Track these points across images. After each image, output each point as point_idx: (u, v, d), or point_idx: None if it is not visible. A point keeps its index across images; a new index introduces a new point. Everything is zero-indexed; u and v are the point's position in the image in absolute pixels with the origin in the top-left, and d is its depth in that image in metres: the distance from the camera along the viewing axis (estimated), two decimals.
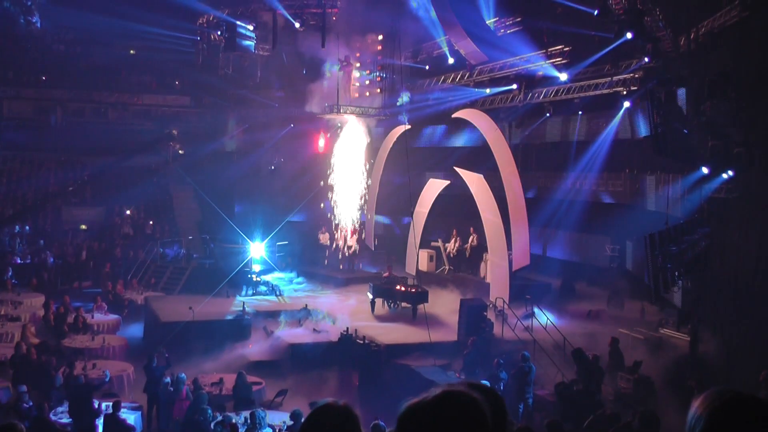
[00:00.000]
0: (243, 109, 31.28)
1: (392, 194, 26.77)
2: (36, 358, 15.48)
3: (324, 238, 26.88)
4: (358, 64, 24.71)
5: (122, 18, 28.07)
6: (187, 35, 27.99)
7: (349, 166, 25.30)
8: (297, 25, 25.58)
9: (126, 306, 22.91)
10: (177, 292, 23.98)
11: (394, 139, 25.59)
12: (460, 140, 27.89)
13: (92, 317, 20.68)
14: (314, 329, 19.87)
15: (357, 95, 25.44)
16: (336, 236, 25.77)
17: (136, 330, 21.24)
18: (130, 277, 25.18)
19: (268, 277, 25.15)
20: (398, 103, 24.62)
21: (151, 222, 30.05)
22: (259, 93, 29.83)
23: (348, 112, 23.41)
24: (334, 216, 25.66)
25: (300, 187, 27.92)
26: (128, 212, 30.41)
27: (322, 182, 25.57)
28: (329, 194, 25.43)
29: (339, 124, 25.29)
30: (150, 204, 30.66)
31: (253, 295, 23.52)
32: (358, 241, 25.91)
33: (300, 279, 26.22)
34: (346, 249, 25.55)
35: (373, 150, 26.28)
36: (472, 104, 24.82)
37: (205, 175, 29.59)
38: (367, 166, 25.68)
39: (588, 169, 23.47)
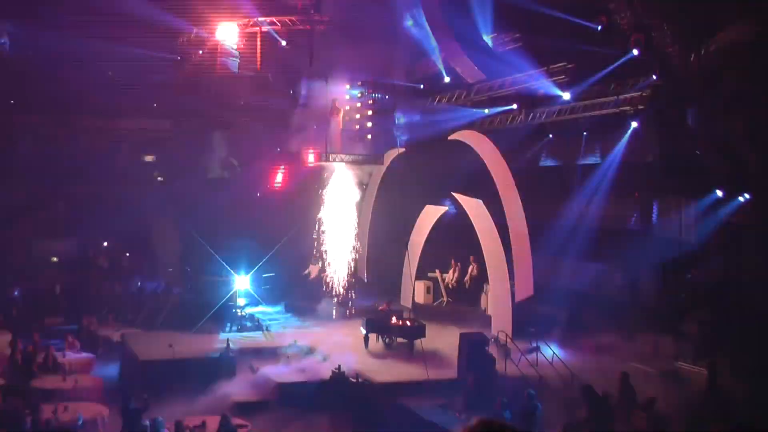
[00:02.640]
0: (227, 133, 31.32)
1: (386, 222, 26.67)
2: (2, 401, 15.20)
3: (314, 269, 26.67)
4: (347, 107, 24.80)
5: (97, 38, 27.96)
6: (168, 54, 27.85)
7: (338, 213, 25.28)
8: (283, 42, 25.58)
9: (101, 344, 22.62)
10: (156, 329, 23.65)
11: (387, 163, 25.59)
12: (458, 164, 27.35)
13: (64, 356, 20.31)
14: (303, 367, 19.64)
15: (347, 140, 25.31)
16: (324, 271, 25.67)
17: (111, 369, 20.94)
18: (106, 313, 24.89)
19: (253, 311, 24.98)
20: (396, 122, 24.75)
21: (128, 254, 29.77)
22: (245, 114, 29.75)
23: (337, 160, 23.47)
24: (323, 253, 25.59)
25: (289, 215, 27.59)
26: (104, 244, 30.11)
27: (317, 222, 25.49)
28: (318, 230, 25.38)
29: (325, 174, 25.33)
30: (127, 235, 29.98)
31: (238, 330, 23.27)
32: (353, 275, 25.80)
33: (288, 313, 26.08)
34: (335, 284, 25.36)
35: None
36: (470, 125, 24.79)
37: (186, 203, 29.40)
38: (359, 210, 25.71)
39: (594, 193, 23.28)
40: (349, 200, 24.87)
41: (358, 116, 24.70)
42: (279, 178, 26.93)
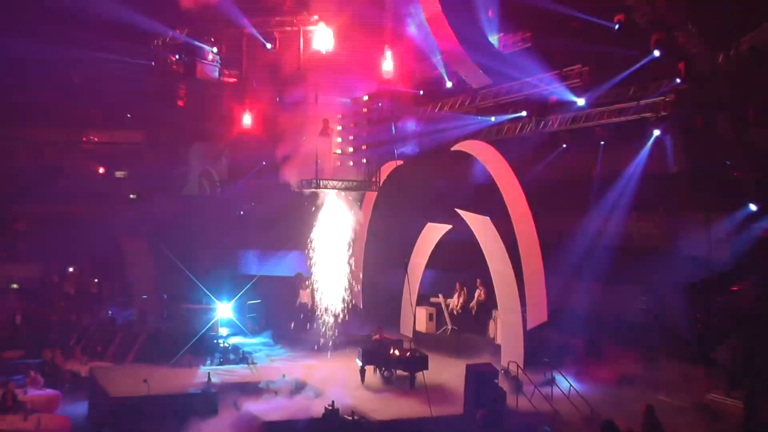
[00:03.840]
0: (206, 146, 31.33)
1: (383, 242, 26.64)
2: None
3: (305, 295, 26.64)
4: (339, 127, 24.78)
5: (62, 42, 27.92)
6: (140, 60, 27.87)
7: (331, 232, 25.04)
8: (269, 45, 25.72)
9: (67, 379, 22.41)
10: (129, 362, 23.58)
11: (384, 178, 25.17)
12: (463, 177, 27.58)
13: (25, 393, 20.06)
14: (293, 404, 19.49)
15: (339, 164, 25.11)
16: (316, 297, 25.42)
17: (79, 408, 20.67)
18: (72, 345, 24.71)
19: (237, 341, 24.92)
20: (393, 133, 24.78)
21: (96, 280, 29.62)
22: (225, 126, 29.74)
23: (329, 187, 23.34)
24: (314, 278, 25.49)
25: (275, 236, 27.77)
26: (71, 269, 30.02)
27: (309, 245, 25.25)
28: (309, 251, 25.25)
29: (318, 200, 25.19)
30: (96, 258, 30.10)
31: (221, 363, 23.12)
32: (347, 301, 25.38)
33: (276, 344, 25.98)
34: (328, 311, 25.08)
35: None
36: (475, 134, 24.71)
37: (162, 223, 29.35)
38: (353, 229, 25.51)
39: (614, 208, 23.30)
40: (343, 218, 24.66)
41: (351, 137, 24.63)
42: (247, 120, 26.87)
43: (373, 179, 22.95)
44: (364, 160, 23.67)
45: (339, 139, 24.33)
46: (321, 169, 22.40)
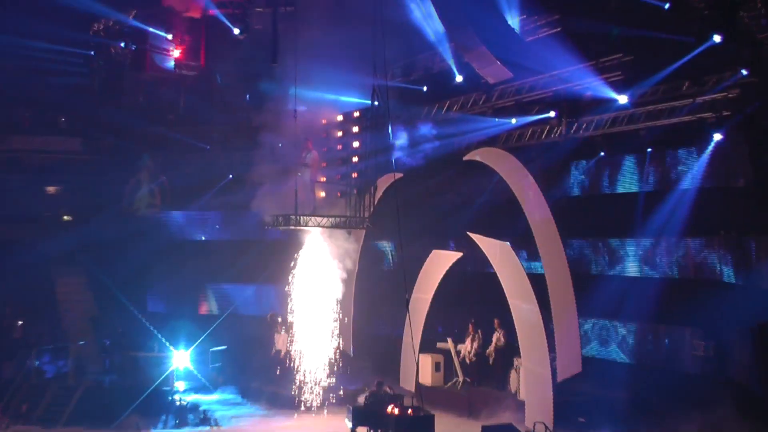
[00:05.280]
0: (160, 155, 31.16)
1: (379, 274, 26.94)
2: None
3: (281, 341, 26.53)
4: (324, 149, 24.95)
5: None
6: (77, 49, 28.08)
7: (315, 263, 25.31)
8: (236, 31, 25.72)
9: None
10: (62, 424, 23.21)
11: (380, 194, 25.13)
12: (476, 193, 27.78)
13: None
14: None
15: (323, 194, 25.47)
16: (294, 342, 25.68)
17: None
18: None
19: (197, 398, 25.03)
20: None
21: (21, 322, 29.06)
22: (183, 130, 29.89)
23: (310, 224, 23.26)
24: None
25: (246, 267, 27.97)
26: None
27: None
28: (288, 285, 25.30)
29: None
30: (21, 294, 29.34)
31: (177, 426, 23.09)
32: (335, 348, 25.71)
33: (245, 400, 25.97)
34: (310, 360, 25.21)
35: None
36: (491, 140, 24.74)
37: (104, 251, 29.27)
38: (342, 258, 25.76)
39: (663, 231, 23.22)
40: (330, 245, 24.82)
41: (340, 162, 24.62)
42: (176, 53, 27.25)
43: (366, 214, 22.89)
44: (355, 191, 23.46)
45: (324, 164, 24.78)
46: (301, 202, 22.42)
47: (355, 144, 24.65)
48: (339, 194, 25.03)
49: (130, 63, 26.83)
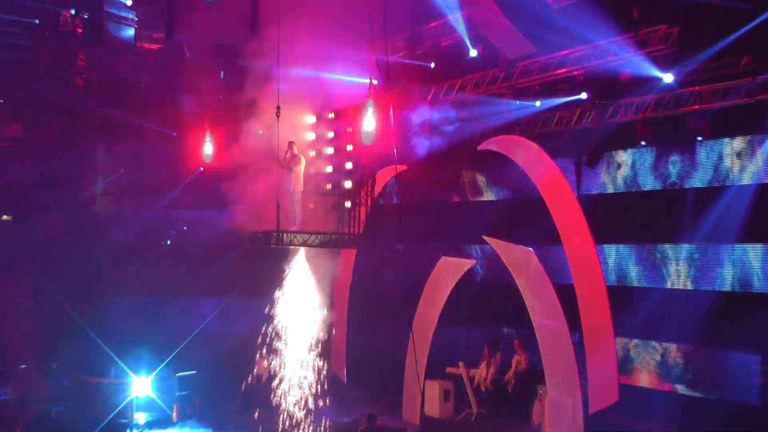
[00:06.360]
0: (118, 142, 30.94)
1: (376, 287, 26.94)
2: None
3: (262, 366, 26.24)
4: (312, 153, 24.70)
5: None
6: (17, 17, 27.52)
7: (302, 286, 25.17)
8: None
9: None
10: None
11: (378, 189, 24.97)
12: (492, 190, 27.81)
13: None
14: None
15: (311, 206, 25.01)
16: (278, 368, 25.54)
17: None
18: None
19: None
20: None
21: None
22: (146, 114, 29.66)
23: (295, 242, 23.15)
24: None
25: (220, 277, 28.22)
26: None
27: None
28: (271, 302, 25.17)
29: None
30: None
31: None
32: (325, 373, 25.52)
33: None
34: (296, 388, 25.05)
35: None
36: (511, 126, 24.65)
37: (50, 255, 29.11)
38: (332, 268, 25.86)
39: (716, 235, 23.02)
40: (319, 254, 24.75)
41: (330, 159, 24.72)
42: (208, 150, 26.78)
43: (360, 231, 22.84)
44: (348, 203, 23.45)
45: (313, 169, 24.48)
46: (285, 214, 22.28)
47: (347, 184, 24.41)
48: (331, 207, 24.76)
49: (82, 34, 26.41)
